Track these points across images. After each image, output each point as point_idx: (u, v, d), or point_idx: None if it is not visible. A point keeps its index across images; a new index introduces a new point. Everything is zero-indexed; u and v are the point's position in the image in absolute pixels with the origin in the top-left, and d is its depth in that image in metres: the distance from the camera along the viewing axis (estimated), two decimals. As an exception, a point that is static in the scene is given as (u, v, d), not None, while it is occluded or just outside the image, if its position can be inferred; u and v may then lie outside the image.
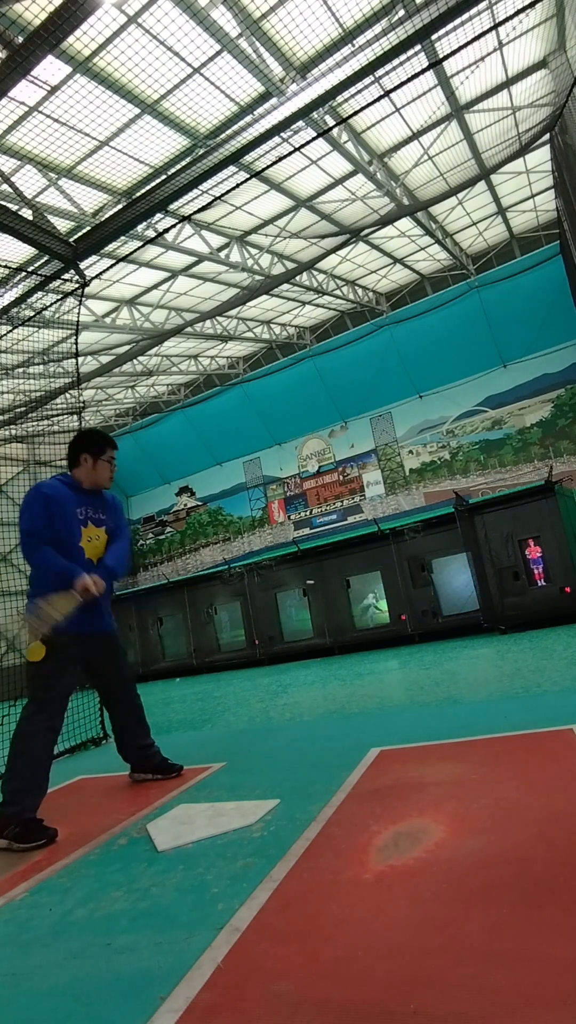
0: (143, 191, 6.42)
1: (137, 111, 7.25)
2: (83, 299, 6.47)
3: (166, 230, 8.28)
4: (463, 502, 9.01)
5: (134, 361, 14.95)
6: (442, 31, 6.54)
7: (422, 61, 7.36)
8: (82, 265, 6.22)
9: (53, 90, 6.65)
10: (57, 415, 11.56)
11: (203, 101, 7.30)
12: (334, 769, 2.90)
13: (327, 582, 9.91)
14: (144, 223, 8.77)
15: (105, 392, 17.33)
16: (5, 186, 6.86)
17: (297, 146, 5.97)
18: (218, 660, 11.17)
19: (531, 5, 5.24)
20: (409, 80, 5.16)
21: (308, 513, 19.13)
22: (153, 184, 6.98)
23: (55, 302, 7.81)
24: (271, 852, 2.07)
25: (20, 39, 4.79)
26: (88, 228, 7.17)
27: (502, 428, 16.23)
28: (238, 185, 6.78)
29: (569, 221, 9.96)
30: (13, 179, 7.09)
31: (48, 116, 6.99)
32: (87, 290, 6.91)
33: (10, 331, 7.78)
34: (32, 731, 2.85)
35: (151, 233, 9.27)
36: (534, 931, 1.39)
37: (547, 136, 9.25)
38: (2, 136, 7.04)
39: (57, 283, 6.48)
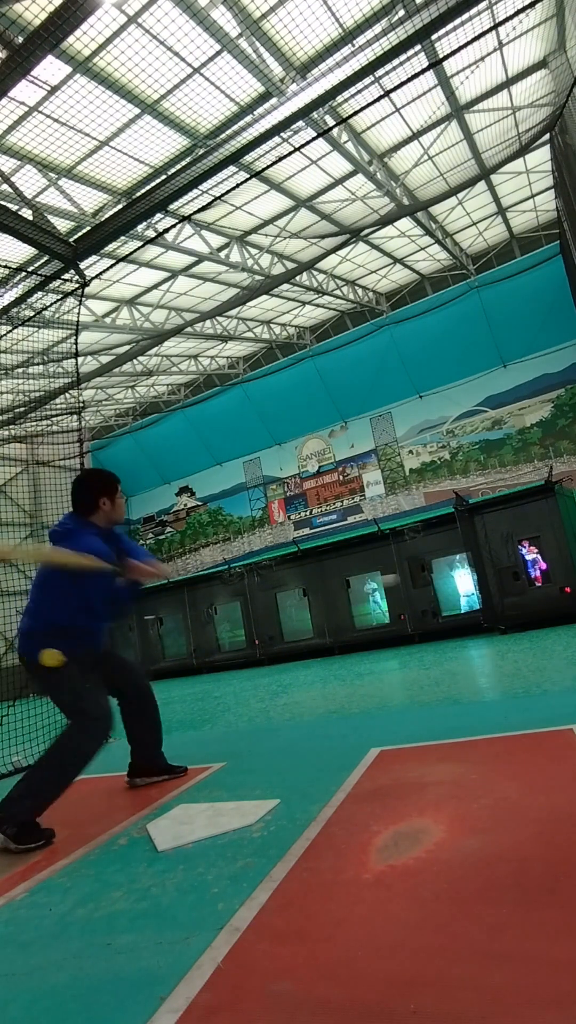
0: (143, 191, 6.42)
1: (137, 111, 7.25)
2: (83, 299, 6.47)
3: (166, 230, 8.28)
4: (463, 502, 9.00)
5: (134, 361, 14.95)
6: (442, 31, 6.53)
7: (422, 61, 7.36)
8: (82, 265, 6.22)
9: (53, 90, 6.65)
10: (57, 415, 11.55)
11: (203, 101, 7.29)
12: (334, 769, 2.90)
13: (327, 582, 9.90)
14: (144, 223, 8.76)
15: (105, 392, 17.33)
16: (5, 186, 6.86)
17: (297, 146, 5.97)
18: (218, 660, 11.17)
19: (531, 5, 5.25)
20: (409, 80, 5.16)
21: (308, 513, 19.13)
22: (153, 184, 6.98)
23: (55, 302, 7.82)
24: (271, 852, 2.07)
25: (20, 39, 4.79)
26: (88, 228, 7.17)
27: (502, 428, 16.23)
28: (238, 185, 6.78)
29: (569, 221, 9.96)
30: (13, 179, 7.09)
31: (48, 116, 6.98)
32: (87, 290, 6.91)
33: (10, 331, 7.78)
34: (89, 752, 2.77)
35: (151, 233, 9.27)
36: (534, 931, 1.39)
37: (547, 136, 9.25)
38: (2, 136, 7.04)
39: (57, 283, 6.48)
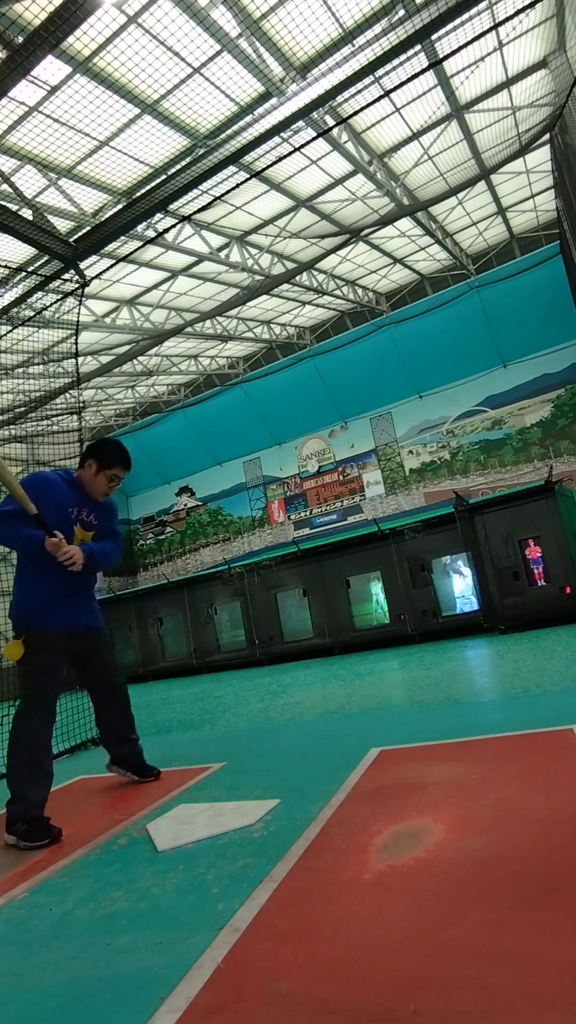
0: (143, 191, 6.42)
1: (137, 111, 7.25)
2: (83, 299, 6.47)
3: (166, 230, 8.29)
4: (463, 502, 9.00)
5: (134, 361, 14.95)
6: (442, 31, 6.53)
7: (422, 61, 7.36)
8: (82, 265, 6.22)
9: (53, 90, 6.65)
10: (57, 415, 11.55)
11: (203, 101, 7.29)
12: (334, 769, 2.90)
13: (327, 582, 9.90)
14: (144, 223, 8.77)
15: (105, 392, 17.33)
16: (5, 186, 6.86)
17: (297, 146, 5.98)
18: (218, 660, 11.16)
19: (531, 5, 5.25)
20: (409, 80, 5.17)
21: (308, 513, 19.13)
22: (153, 184, 6.98)
23: (55, 302, 7.81)
24: (271, 852, 2.07)
25: (20, 39, 4.80)
26: (88, 228, 7.17)
27: (502, 428, 16.23)
28: (238, 185, 6.78)
29: (569, 221, 9.96)
30: (13, 179, 7.09)
31: (48, 116, 6.99)
32: (87, 290, 6.91)
33: (10, 331, 7.78)
34: (29, 728, 2.86)
35: (151, 233, 9.27)
36: (534, 931, 1.39)
37: (547, 136, 9.25)
38: (2, 136, 7.04)
39: (57, 283, 6.48)
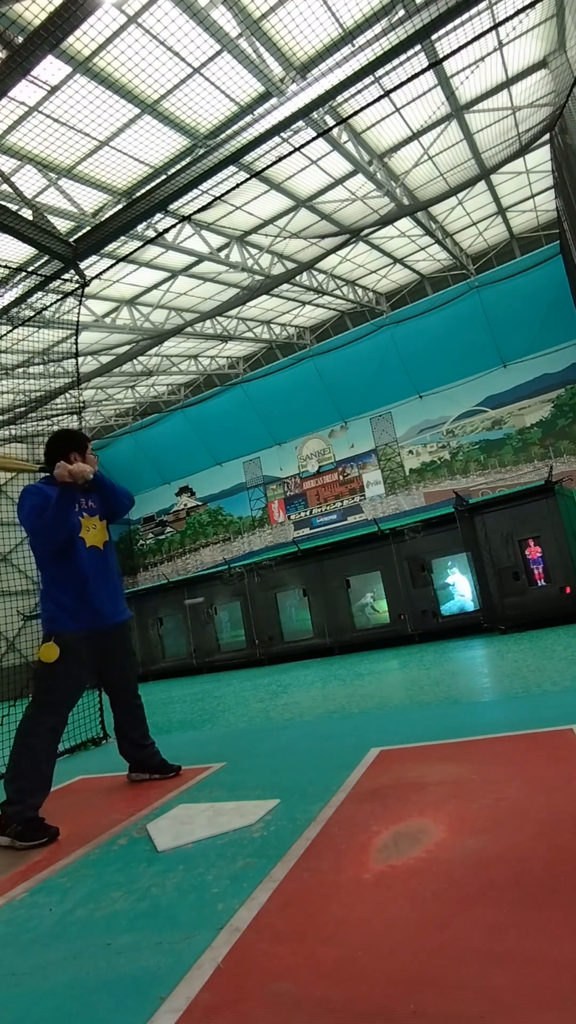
0: (143, 191, 6.42)
1: (137, 111, 7.25)
2: (83, 299, 6.47)
3: (166, 230, 8.28)
4: (463, 502, 9.00)
5: (134, 361, 14.95)
6: (442, 31, 6.53)
7: (422, 61, 7.35)
8: (82, 265, 6.22)
9: (53, 90, 6.65)
10: (57, 415, 11.55)
11: (203, 101, 7.29)
12: (334, 769, 2.90)
13: (327, 582, 9.90)
14: (144, 223, 8.77)
15: (105, 392, 17.33)
16: (5, 186, 6.86)
17: (297, 146, 5.97)
18: (218, 660, 11.16)
19: (531, 5, 5.24)
20: (409, 80, 5.16)
21: (308, 513, 19.12)
22: (153, 184, 6.98)
23: (55, 302, 7.81)
24: (271, 852, 2.07)
25: (20, 39, 4.79)
26: (88, 228, 7.17)
27: (502, 428, 16.23)
28: (238, 185, 6.78)
29: (569, 221, 9.96)
30: (13, 179, 7.09)
31: (48, 116, 6.99)
32: (87, 290, 6.91)
33: (10, 331, 7.77)
34: (34, 731, 2.87)
35: (151, 233, 9.27)
36: (534, 931, 1.39)
37: (547, 136, 9.25)
38: (2, 136, 7.04)
39: (57, 283, 6.48)
